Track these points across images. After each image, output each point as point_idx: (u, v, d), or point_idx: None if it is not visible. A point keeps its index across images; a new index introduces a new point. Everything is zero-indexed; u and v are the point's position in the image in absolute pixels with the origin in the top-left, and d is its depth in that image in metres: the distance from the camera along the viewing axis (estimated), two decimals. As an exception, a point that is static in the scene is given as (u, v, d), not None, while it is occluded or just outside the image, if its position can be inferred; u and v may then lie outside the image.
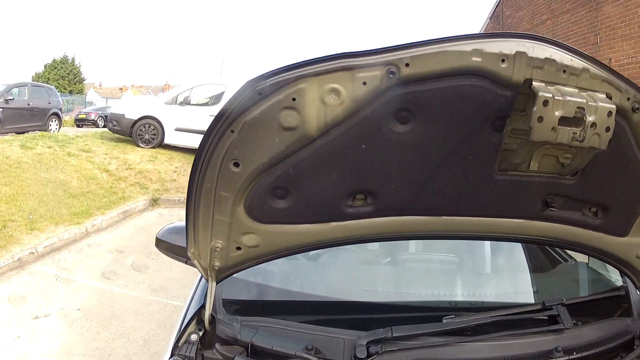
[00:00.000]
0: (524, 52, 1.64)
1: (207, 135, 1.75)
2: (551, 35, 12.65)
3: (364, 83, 1.64)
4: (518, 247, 3.23)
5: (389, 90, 1.66)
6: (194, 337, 2.18)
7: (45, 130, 18.34)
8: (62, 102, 22.36)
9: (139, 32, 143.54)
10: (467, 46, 1.63)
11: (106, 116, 22.50)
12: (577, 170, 2.03)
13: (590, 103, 1.69)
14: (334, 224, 2.02)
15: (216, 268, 2.08)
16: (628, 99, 1.82)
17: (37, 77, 51.30)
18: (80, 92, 52.97)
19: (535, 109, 1.65)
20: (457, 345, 2.18)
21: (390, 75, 1.63)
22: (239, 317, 2.21)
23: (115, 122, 15.35)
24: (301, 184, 1.86)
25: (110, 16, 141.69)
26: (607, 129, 1.73)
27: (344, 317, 2.42)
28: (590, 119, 1.69)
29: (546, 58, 1.66)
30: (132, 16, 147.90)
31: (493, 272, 3.15)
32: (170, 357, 2.12)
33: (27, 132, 17.50)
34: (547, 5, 12.89)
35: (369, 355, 2.02)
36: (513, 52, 1.64)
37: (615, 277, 2.90)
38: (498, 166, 1.94)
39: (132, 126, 14.97)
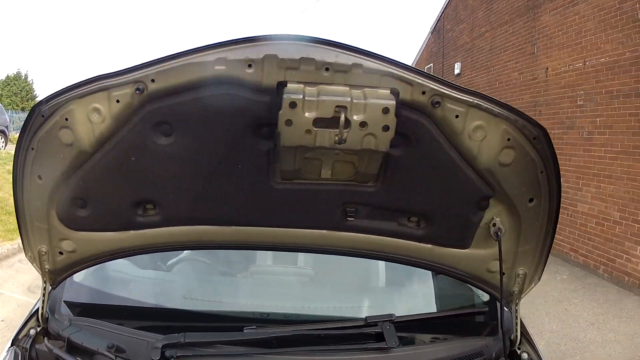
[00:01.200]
0: (274, 55, 1.59)
1: (17, 152, 1.92)
2: (489, 47, 12.90)
3: (118, 101, 1.72)
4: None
5: (144, 106, 1.72)
6: (32, 331, 2.29)
7: (-10, 148, 17.94)
8: (9, 120, 22.07)
9: (93, 49, 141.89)
10: (211, 56, 1.62)
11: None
12: (376, 176, 1.92)
13: (356, 101, 1.59)
14: (132, 232, 2.14)
15: (47, 270, 2.21)
16: (423, 92, 1.67)
17: (-10, 93, 50.26)
18: (33, 109, 51.96)
19: (281, 112, 1.60)
20: (256, 357, 2.17)
21: (137, 92, 1.68)
22: (71, 316, 2.36)
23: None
24: (92, 195, 2.00)
25: (65, 32, 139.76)
26: (385, 128, 1.63)
27: (163, 323, 2.44)
28: (356, 118, 1.60)
29: (302, 58, 1.58)
30: (87, 33, 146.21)
31: (345, 285, 3.07)
32: (10, 346, 2.28)
33: (-28, 149, 17.10)
34: (486, 18, 13.17)
35: (163, 358, 2.08)
36: (261, 56, 1.59)
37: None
38: (280, 175, 1.91)
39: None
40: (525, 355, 2.39)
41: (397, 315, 2.34)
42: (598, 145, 8.23)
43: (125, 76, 1.68)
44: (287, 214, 2.08)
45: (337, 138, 1.62)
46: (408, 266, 2.98)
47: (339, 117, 1.59)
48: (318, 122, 1.60)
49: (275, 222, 2.11)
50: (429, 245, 2.19)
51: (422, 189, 1.97)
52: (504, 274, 2.20)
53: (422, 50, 19.14)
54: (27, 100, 51.91)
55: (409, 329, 2.42)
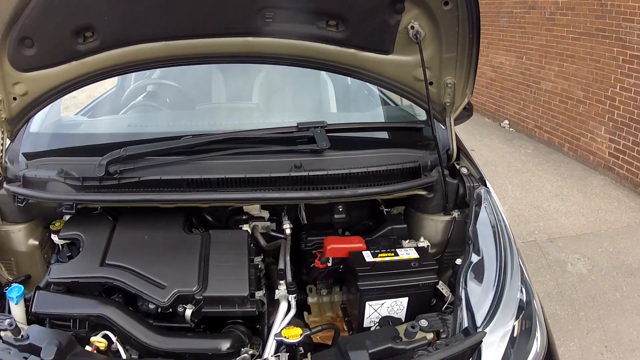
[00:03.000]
0: None
1: None
2: None
3: None
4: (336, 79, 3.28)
5: None
6: None
7: None
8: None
9: None
10: None
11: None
12: None
13: None
14: (74, 62, 2.25)
15: (4, 120, 2.38)
16: None
17: None
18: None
19: None
20: (192, 163, 2.35)
21: None
22: (29, 161, 2.52)
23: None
24: (38, 32, 2.09)
25: None
26: None
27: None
28: None
29: None
30: None
31: (291, 114, 3.17)
32: None
33: None
34: None
35: (107, 174, 2.26)
36: None
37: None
38: None
39: None
40: (464, 170, 2.57)
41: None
42: (560, 25, 8.31)
43: None
44: (210, 23, 2.16)
45: None
46: (358, 95, 3.25)
47: None
48: None
49: (200, 32, 2.20)
50: (352, 50, 2.28)
51: None
52: (432, 83, 2.36)
53: None
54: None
55: (345, 140, 2.58)
